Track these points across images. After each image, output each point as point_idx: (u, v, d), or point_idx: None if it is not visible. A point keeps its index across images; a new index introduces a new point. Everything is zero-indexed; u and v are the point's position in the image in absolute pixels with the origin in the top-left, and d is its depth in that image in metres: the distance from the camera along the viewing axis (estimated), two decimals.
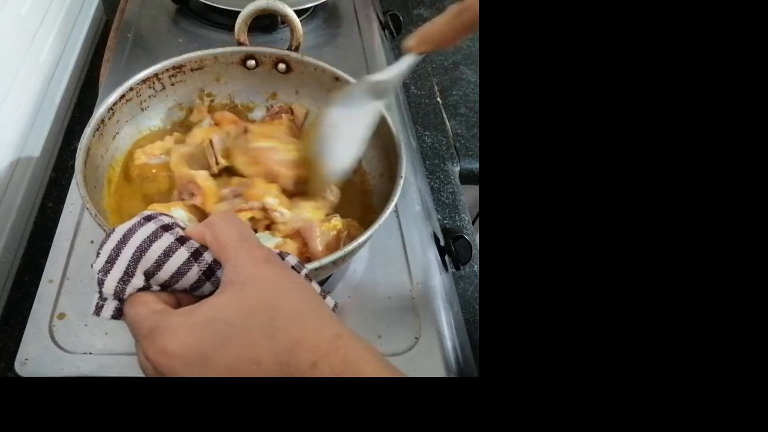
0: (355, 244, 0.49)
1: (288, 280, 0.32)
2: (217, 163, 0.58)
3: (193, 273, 0.33)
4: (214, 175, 0.58)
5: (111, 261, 0.33)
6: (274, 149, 0.56)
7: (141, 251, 0.33)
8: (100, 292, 0.33)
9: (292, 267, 0.36)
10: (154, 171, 0.60)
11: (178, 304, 0.34)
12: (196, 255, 0.33)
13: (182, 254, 0.33)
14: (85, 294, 0.55)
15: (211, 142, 0.59)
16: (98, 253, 0.33)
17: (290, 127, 0.62)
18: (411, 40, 0.48)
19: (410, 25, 1.07)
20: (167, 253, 0.33)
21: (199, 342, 0.29)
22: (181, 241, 0.34)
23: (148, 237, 0.33)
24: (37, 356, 0.51)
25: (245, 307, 0.30)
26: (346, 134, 0.54)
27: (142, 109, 0.62)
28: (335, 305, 0.36)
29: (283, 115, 0.65)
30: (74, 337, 0.52)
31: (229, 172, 0.59)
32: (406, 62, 0.50)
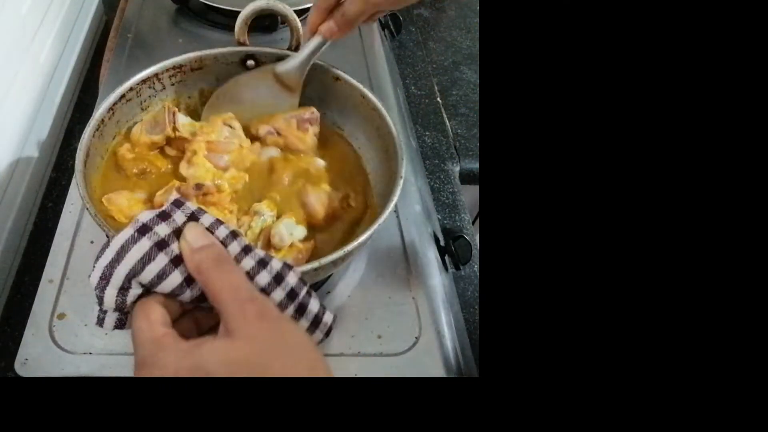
0: (355, 243, 0.49)
1: (281, 338, 0.31)
2: (174, 130, 0.59)
3: (186, 296, 0.34)
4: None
5: (105, 278, 0.33)
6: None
7: (134, 272, 0.33)
8: (101, 305, 0.33)
9: (292, 289, 0.35)
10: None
11: (182, 312, 0.35)
12: (189, 281, 0.34)
13: (175, 278, 0.34)
14: (85, 294, 0.55)
15: (172, 110, 0.60)
16: (94, 266, 0.34)
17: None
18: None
19: (410, 25, 1.07)
20: (161, 276, 0.33)
21: None
22: (175, 263, 0.34)
23: (140, 259, 0.33)
24: (37, 356, 0.51)
25: (231, 359, 0.29)
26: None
27: (142, 109, 0.62)
28: (334, 318, 0.36)
29: (309, 126, 0.63)
30: (74, 337, 0.52)
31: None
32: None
